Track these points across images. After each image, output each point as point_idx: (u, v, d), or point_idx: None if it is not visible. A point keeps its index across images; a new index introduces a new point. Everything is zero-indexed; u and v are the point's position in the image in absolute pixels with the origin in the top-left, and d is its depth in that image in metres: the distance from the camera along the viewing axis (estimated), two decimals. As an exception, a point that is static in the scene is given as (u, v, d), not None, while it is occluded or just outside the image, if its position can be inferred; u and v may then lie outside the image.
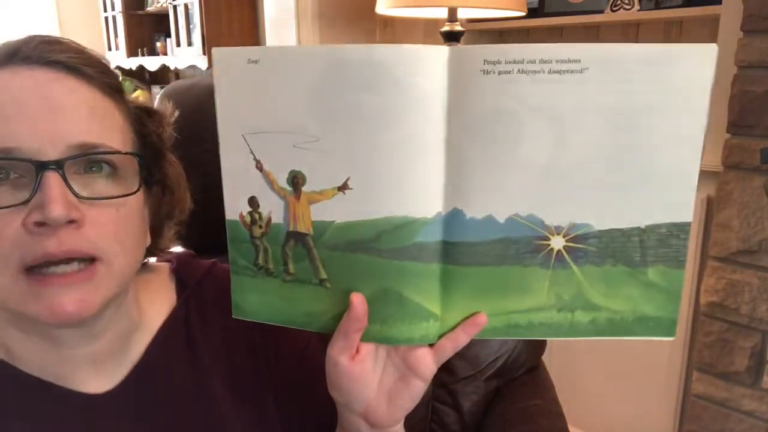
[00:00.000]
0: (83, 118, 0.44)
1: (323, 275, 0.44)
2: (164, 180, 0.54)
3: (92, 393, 0.50)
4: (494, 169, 0.41)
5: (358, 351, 0.45)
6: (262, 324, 0.58)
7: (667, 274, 0.43)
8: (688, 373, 1.52)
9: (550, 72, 0.39)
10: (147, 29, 3.59)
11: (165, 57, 3.36)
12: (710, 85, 0.40)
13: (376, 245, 0.42)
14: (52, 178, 0.41)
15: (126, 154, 0.46)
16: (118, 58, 3.69)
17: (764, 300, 1.27)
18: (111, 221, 0.44)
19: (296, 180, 0.42)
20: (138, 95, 3.58)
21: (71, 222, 0.41)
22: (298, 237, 0.43)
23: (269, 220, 0.44)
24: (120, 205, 0.45)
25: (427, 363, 0.46)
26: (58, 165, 0.41)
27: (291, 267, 0.45)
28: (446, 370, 0.90)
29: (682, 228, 0.42)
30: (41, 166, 0.41)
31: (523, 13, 1.62)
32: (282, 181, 0.43)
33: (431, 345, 0.46)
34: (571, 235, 0.43)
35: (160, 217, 0.55)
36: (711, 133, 1.38)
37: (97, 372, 0.50)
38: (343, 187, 0.41)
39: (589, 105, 0.40)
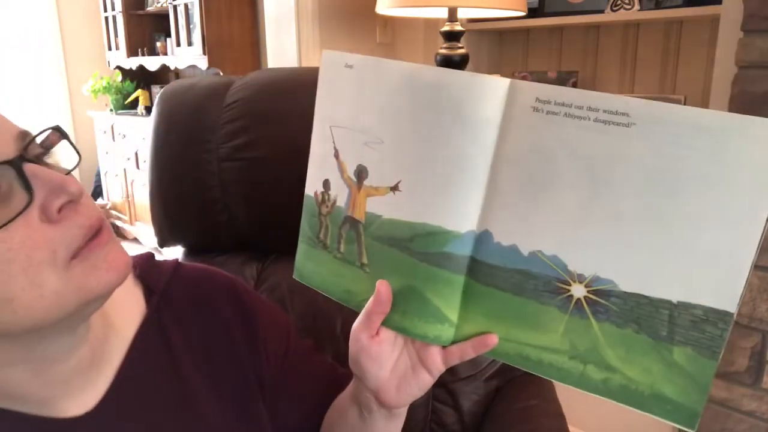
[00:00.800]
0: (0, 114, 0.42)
1: (365, 260, 0.49)
2: None
3: (72, 416, 0.47)
4: (525, 203, 0.42)
5: (378, 333, 0.48)
6: (243, 326, 0.59)
7: (695, 360, 0.40)
8: (688, 373, 1.52)
9: (595, 120, 0.38)
10: (147, 29, 3.59)
11: (165, 57, 3.36)
12: None
13: (409, 245, 0.46)
14: (36, 168, 0.40)
15: (57, 129, 0.44)
16: (118, 57, 3.69)
17: (764, 300, 1.27)
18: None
19: (360, 173, 0.47)
20: (138, 95, 3.59)
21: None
22: (352, 222, 0.49)
23: (335, 202, 0.50)
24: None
25: (437, 362, 0.49)
26: (27, 157, 0.40)
27: (342, 246, 0.50)
28: (447, 369, 0.90)
29: (721, 317, 0.38)
30: (18, 162, 0.39)
31: (524, 13, 1.62)
32: (350, 171, 0.48)
33: (444, 346, 0.48)
34: (593, 288, 0.41)
35: None
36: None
37: (79, 388, 0.48)
38: (395, 188, 0.45)
39: (631, 162, 0.38)
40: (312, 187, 0.52)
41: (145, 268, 0.58)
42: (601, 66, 1.89)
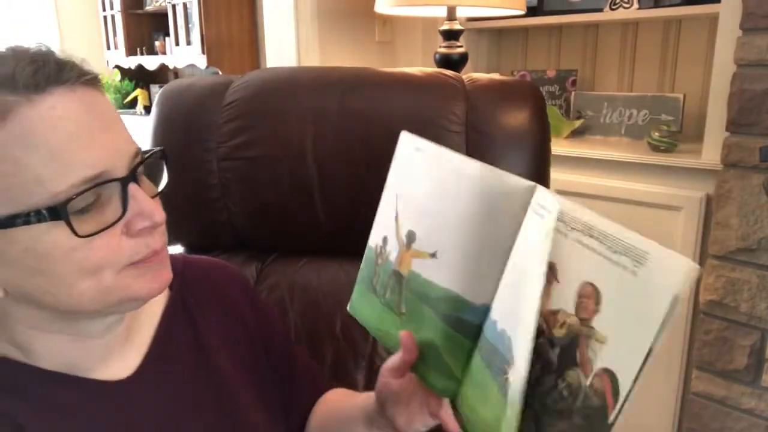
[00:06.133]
0: (123, 128, 0.49)
1: (403, 309, 0.55)
2: None
3: (114, 380, 0.54)
4: (510, 290, 0.46)
5: (404, 374, 0.56)
6: (256, 318, 0.67)
7: None
8: (687, 371, 1.52)
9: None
10: (146, 28, 3.58)
11: (164, 56, 3.36)
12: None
13: (435, 305, 0.52)
14: (136, 190, 0.47)
15: (160, 151, 0.52)
16: (117, 57, 3.68)
17: (763, 298, 1.27)
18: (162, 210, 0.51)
19: (410, 237, 0.54)
20: (137, 94, 3.59)
21: None
22: (397, 276, 0.56)
23: (388, 256, 0.57)
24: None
25: (435, 409, 0.55)
26: (134, 177, 0.47)
27: (387, 294, 0.57)
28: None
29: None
30: (125, 181, 0.46)
31: (523, 12, 1.62)
32: (403, 234, 0.55)
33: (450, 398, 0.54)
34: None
35: None
36: (711, 131, 1.38)
37: (112, 359, 0.54)
38: (433, 255, 0.52)
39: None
40: (374, 240, 0.59)
41: None
42: (600, 64, 1.90)
